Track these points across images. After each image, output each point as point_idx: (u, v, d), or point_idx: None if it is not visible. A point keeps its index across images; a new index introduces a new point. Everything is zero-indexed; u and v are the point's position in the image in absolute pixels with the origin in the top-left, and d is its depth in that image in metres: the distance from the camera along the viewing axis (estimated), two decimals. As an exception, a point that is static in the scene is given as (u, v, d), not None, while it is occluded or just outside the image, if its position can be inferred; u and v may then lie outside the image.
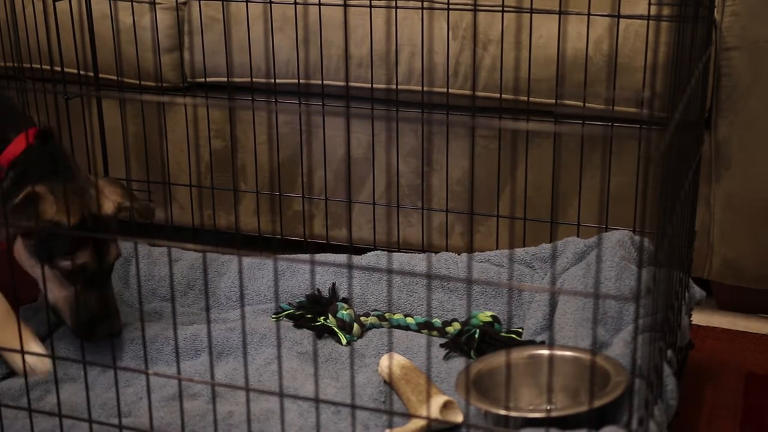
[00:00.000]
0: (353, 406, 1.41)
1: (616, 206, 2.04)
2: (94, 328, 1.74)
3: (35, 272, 1.73)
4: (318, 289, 1.94)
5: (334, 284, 1.94)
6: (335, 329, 1.83)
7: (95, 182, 1.76)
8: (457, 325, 1.83)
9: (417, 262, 1.96)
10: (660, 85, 1.18)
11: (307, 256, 1.93)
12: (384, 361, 1.69)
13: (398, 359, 1.67)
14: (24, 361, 1.67)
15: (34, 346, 1.73)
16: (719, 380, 1.87)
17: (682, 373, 1.69)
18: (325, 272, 1.97)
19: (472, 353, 1.76)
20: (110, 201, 1.76)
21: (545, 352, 1.59)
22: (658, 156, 1.16)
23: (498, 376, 1.55)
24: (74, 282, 1.71)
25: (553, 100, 2.05)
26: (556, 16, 1.99)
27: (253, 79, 2.18)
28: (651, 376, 1.31)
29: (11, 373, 1.76)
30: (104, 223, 1.74)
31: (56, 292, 1.73)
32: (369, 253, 2.00)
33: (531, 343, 1.71)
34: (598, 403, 1.39)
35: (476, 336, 1.76)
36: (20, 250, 1.71)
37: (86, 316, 1.73)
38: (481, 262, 1.97)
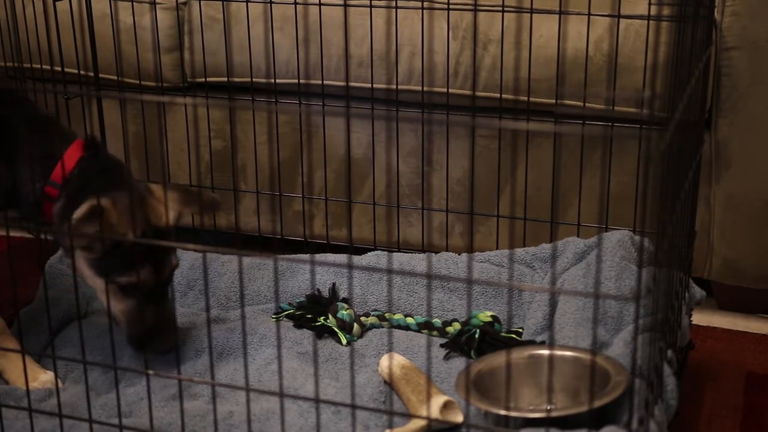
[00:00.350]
0: (353, 406, 1.41)
1: (616, 206, 2.04)
2: (150, 341, 1.69)
3: (95, 284, 1.68)
4: (318, 289, 1.94)
5: (334, 284, 1.94)
6: (335, 329, 1.83)
7: (153, 190, 1.71)
8: (457, 325, 1.83)
9: (417, 262, 1.96)
10: (660, 85, 1.18)
11: (307, 256, 1.93)
12: (384, 361, 1.69)
13: (398, 359, 1.67)
14: (26, 373, 1.65)
15: (41, 374, 1.74)
16: (719, 380, 1.87)
17: (682, 373, 1.69)
18: (325, 272, 1.97)
19: (472, 353, 1.76)
20: (171, 210, 1.70)
21: (545, 352, 1.59)
22: (658, 156, 1.16)
23: (498, 376, 1.55)
24: (132, 296, 1.67)
25: (554, 100, 2.05)
26: (557, 16, 1.99)
27: (253, 79, 2.18)
28: (651, 376, 1.31)
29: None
30: (165, 233, 1.68)
31: (114, 305, 1.68)
32: (369, 253, 2.00)
33: (531, 343, 1.71)
34: (598, 404, 1.39)
35: (476, 336, 1.76)
36: (81, 264, 1.66)
37: (143, 329, 1.69)
38: (482, 262, 1.97)
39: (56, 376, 1.67)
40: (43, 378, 1.72)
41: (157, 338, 1.69)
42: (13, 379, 1.72)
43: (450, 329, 1.84)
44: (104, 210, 1.58)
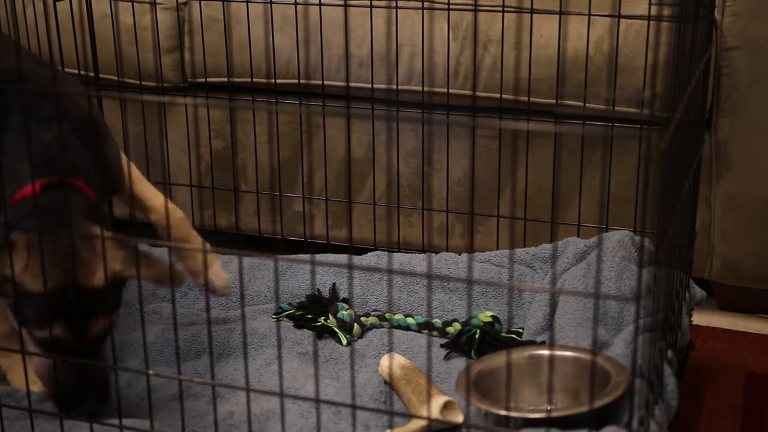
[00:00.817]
0: (354, 407, 1.41)
1: (617, 206, 2.04)
2: (73, 403, 1.50)
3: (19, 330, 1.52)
4: (318, 290, 1.94)
5: (334, 284, 1.94)
6: (336, 329, 1.83)
7: (99, 243, 1.50)
8: (457, 326, 1.83)
9: (417, 262, 1.96)
10: (660, 85, 1.18)
11: (307, 257, 1.93)
12: (384, 361, 1.69)
13: (398, 359, 1.67)
14: (26, 374, 1.64)
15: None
16: (719, 380, 1.87)
17: (682, 374, 1.69)
18: (325, 272, 1.97)
19: (472, 353, 1.76)
20: (104, 267, 1.48)
21: (545, 352, 1.59)
22: (658, 156, 1.16)
23: (498, 377, 1.55)
24: (53, 351, 1.48)
25: (554, 100, 2.05)
26: (557, 16, 1.99)
27: (254, 79, 2.18)
28: (651, 376, 1.31)
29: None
30: (90, 294, 1.47)
31: (36, 358, 1.52)
32: (369, 254, 2.00)
33: (531, 343, 1.71)
34: (598, 404, 1.39)
35: (477, 336, 1.76)
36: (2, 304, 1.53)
37: (63, 389, 1.50)
38: (482, 262, 1.97)
39: (56, 376, 1.67)
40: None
41: (82, 401, 1.50)
42: (15, 380, 1.72)
43: (450, 329, 1.84)
44: (13, 246, 1.44)
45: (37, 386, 1.70)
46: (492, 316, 1.80)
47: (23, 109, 1.58)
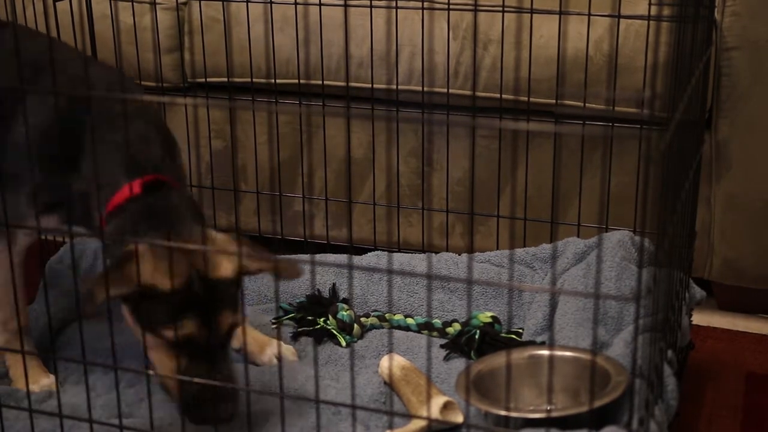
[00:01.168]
0: (353, 407, 1.41)
1: (617, 206, 2.04)
2: (203, 409, 1.46)
3: (139, 337, 1.50)
4: (318, 290, 1.94)
5: (334, 284, 1.94)
6: (334, 332, 1.83)
7: (215, 239, 1.51)
8: (457, 326, 1.83)
9: (417, 262, 1.96)
10: (660, 86, 1.18)
11: (307, 257, 1.93)
12: (384, 362, 1.69)
13: (398, 360, 1.67)
14: (26, 376, 1.64)
15: (43, 378, 1.73)
16: (719, 380, 1.87)
17: (682, 374, 1.69)
18: (325, 272, 1.97)
19: (472, 354, 1.76)
20: (229, 261, 1.48)
21: (545, 352, 1.59)
22: (658, 156, 1.16)
23: (498, 377, 1.55)
24: (180, 354, 1.47)
25: (554, 100, 2.05)
26: (557, 16, 1.99)
27: (254, 79, 2.18)
28: (651, 377, 1.31)
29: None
30: (217, 287, 1.46)
31: (160, 363, 1.49)
32: (369, 254, 2.00)
33: (531, 343, 1.71)
34: (598, 404, 1.39)
35: (476, 336, 1.76)
36: (126, 313, 1.51)
37: (193, 394, 1.46)
38: (482, 262, 1.97)
39: (56, 378, 1.67)
40: (43, 381, 1.71)
41: (211, 407, 1.46)
42: (16, 379, 1.72)
43: (450, 330, 1.84)
44: (136, 255, 1.42)
45: (37, 386, 1.70)
46: (492, 317, 1.80)
47: (98, 112, 1.55)
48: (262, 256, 1.51)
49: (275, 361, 1.74)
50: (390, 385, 1.67)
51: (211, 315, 1.45)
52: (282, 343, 1.69)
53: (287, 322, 1.89)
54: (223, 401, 1.46)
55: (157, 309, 1.44)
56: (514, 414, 1.46)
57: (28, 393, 1.53)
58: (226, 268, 1.47)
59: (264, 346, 1.77)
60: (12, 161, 1.60)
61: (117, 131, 1.54)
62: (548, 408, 1.54)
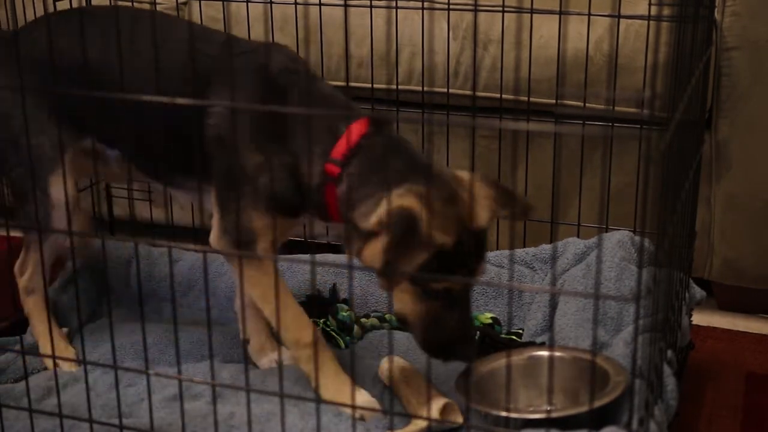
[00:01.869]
0: (353, 407, 1.41)
1: (617, 206, 2.04)
2: (447, 349, 1.49)
3: (385, 285, 1.44)
4: (318, 290, 1.94)
5: (334, 285, 1.94)
6: (333, 333, 1.83)
7: (461, 180, 1.45)
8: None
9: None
10: (660, 86, 1.18)
11: (307, 257, 1.93)
12: (384, 363, 1.69)
13: (398, 362, 1.67)
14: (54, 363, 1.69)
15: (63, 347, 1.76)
16: (719, 380, 1.87)
17: (682, 374, 1.69)
18: (325, 272, 1.97)
19: (472, 354, 1.76)
20: (484, 209, 1.44)
21: (545, 353, 1.59)
22: (658, 156, 1.16)
23: (498, 378, 1.55)
24: (436, 299, 1.46)
25: (554, 101, 2.05)
26: (557, 17, 1.99)
27: (254, 80, 2.17)
28: (651, 377, 1.31)
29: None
30: (478, 238, 1.43)
31: (411, 306, 1.47)
32: (371, 254, 1.99)
33: (531, 344, 1.71)
34: (597, 404, 1.39)
35: (476, 338, 1.76)
36: (366, 255, 1.43)
37: (442, 336, 1.48)
38: (482, 262, 1.97)
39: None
40: (65, 366, 1.75)
41: (454, 348, 1.49)
42: (42, 346, 1.78)
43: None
44: (414, 214, 1.35)
45: (67, 365, 1.72)
46: (492, 318, 1.80)
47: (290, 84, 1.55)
48: (512, 200, 1.46)
49: (274, 365, 1.74)
50: (390, 386, 1.66)
51: (475, 264, 1.43)
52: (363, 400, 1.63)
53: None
54: (465, 344, 1.48)
55: (429, 265, 1.37)
56: (513, 415, 1.46)
57: (28, 392, 1.53)
58: (483, 217, 1.43)
59: (265, 349, 1.77)
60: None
61: (311, 91, 1.54)
62: (548, 408, 1.53)
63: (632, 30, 2.00)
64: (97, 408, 1.62)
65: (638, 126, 2.01)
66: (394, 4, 2.12)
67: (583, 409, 1.41)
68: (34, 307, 1.80)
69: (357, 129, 1.47)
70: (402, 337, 1.83)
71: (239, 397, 1.64)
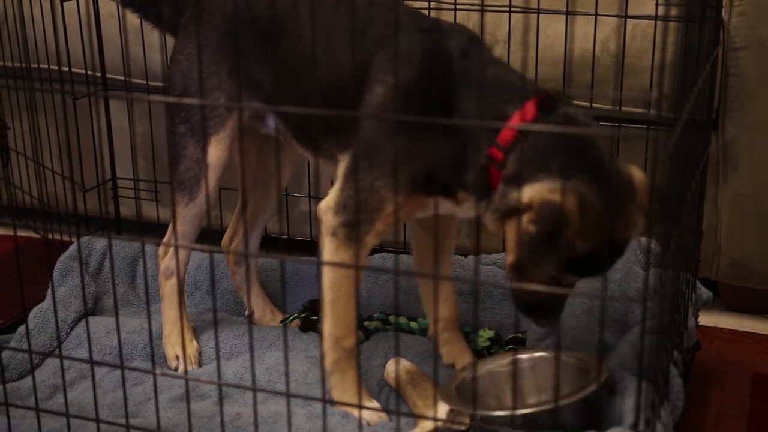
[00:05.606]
0: (360, 407, 1.41)
1: (623, 207, 2.03)
2: (540, 314, 1.47)
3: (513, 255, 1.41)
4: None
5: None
6: None
7: (637, 184, 1.39)
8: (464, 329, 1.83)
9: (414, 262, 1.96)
10: (667, 86, 1.17)
11: (313, 258, 1.93)
12: (390, 366, 1.69)
13: (405, 364, 1.66)
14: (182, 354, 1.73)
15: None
16: (726, 381, 1.87)
17: (688, 374, 1.69)
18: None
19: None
20: (637, 224, 1.39)
21: (525, 356, 1.60)
22: (665, 157, 1.16)
23: (483, 383, 1.56)
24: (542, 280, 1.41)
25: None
26: (564, 17, 1.98)
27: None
28: (657, 377, 1.31)
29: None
30: (617, 250, 1.39)
31: (523, 273, 1.40)
32: (375, 255, 1.99)
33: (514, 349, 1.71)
34: (562, 402, 1.39)
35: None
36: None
37: (536, 303, 1.45)
38: (488, 264, 1.97)
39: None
40: (189, 351, 1.79)
41: (549, 313, 1.47)
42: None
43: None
44: (566, 215, 1.31)
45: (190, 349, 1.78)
46: (490, 338, 1.81)
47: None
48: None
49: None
50: (396, 389, 1.66)
51: (591, 269, 1.37)
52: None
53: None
54: (555, 312, 1.46)
55: (550, 258, 1.35)
56: (479, 413, 1.45)
57: (35, 392, 1.53)
58: (638, 227, 1.38)
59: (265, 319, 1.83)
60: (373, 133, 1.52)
61: (482, 75, 1.48)
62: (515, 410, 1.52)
63: (639, 30, 1.99)
64: (104, 407, 1.63)
65: (645, 126, 2.00)
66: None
67: (545, 407, 1.39)
68: (170, 292, 1.80)
69: (527, 112, 1.42)
70: (410, 340, 1.83)
71: (246, 398, 1.64)
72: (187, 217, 1.73)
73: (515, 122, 1.42)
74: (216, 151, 1.70)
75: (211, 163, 1.71)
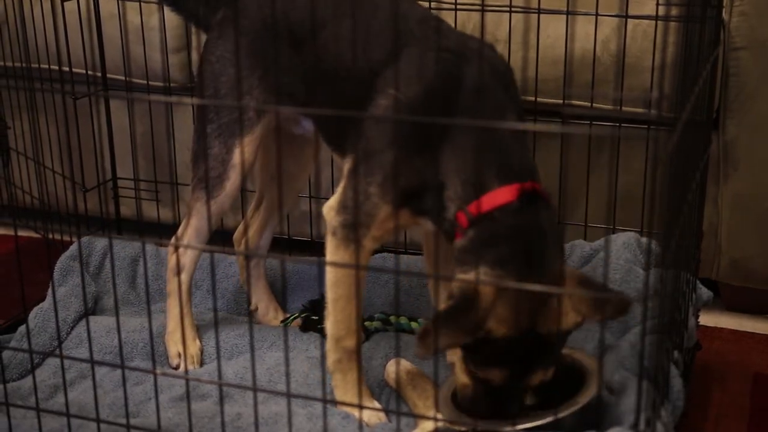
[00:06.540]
0: (361, 407, 1.41)
1: (624, 207, 2.03)
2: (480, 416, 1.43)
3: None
4: (322, 294, 1.94)
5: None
6: None
7: (574, 283, 1.37)
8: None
9: (424, 264, 1.96)
10: (668, 86, 1.17)
11: (314, 258, 1.93)
12: (391, 366, 1.69)
13: (405, 365, 1.66)
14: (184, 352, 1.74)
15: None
16: (726, 381, 1.87)
17: (689, 374, 1.69)
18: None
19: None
20: (574, 314, 1.36)
21: None
22: (665, 156, 1.16)
23: None
24: (480, 383, 1.42)
25: (561, 101, 2.04)
26: (564, 16, 1.98)
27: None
28: (658, 377, 1.31)
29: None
30: (547, 342, 1.36)
31: (461, 378, 1.45)
32: (375, 255, 1.99)
33: None
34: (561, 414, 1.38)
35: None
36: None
37: (480, 409, 1.44)
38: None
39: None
40: (191, 350, 1.80)
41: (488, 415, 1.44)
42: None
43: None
44: (479, 297, 1.32)
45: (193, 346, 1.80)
46: None
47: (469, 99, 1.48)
48: (606, 302, 1.33)
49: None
50: (396, 389, 1.66)
51: (525, 368, 1.37)
52: None
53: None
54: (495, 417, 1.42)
55: (482, 352, 1.37)
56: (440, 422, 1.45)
57: (36, 392, 1.53)
58: (569, 320, 1.36)
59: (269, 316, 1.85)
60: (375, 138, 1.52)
61: (487, 129, 1.46)
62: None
63: (640, 30, 1.99)
64: (104, 407, 1.63)
65: (646, 126, 2.00)
66: (401, 4, 2.12)
67: (547, 419, 1.38)
68: (176, 287, 1.80)
69: (503, 195, 1.40)
70: (408, 340, 1.83)
71: (246, 398, 1.64)
72: (204, 214, 1.74)
73: (487, 200, 1.41)
74: (244, 153, 1.72)
75: (237, 164, 1.72)
